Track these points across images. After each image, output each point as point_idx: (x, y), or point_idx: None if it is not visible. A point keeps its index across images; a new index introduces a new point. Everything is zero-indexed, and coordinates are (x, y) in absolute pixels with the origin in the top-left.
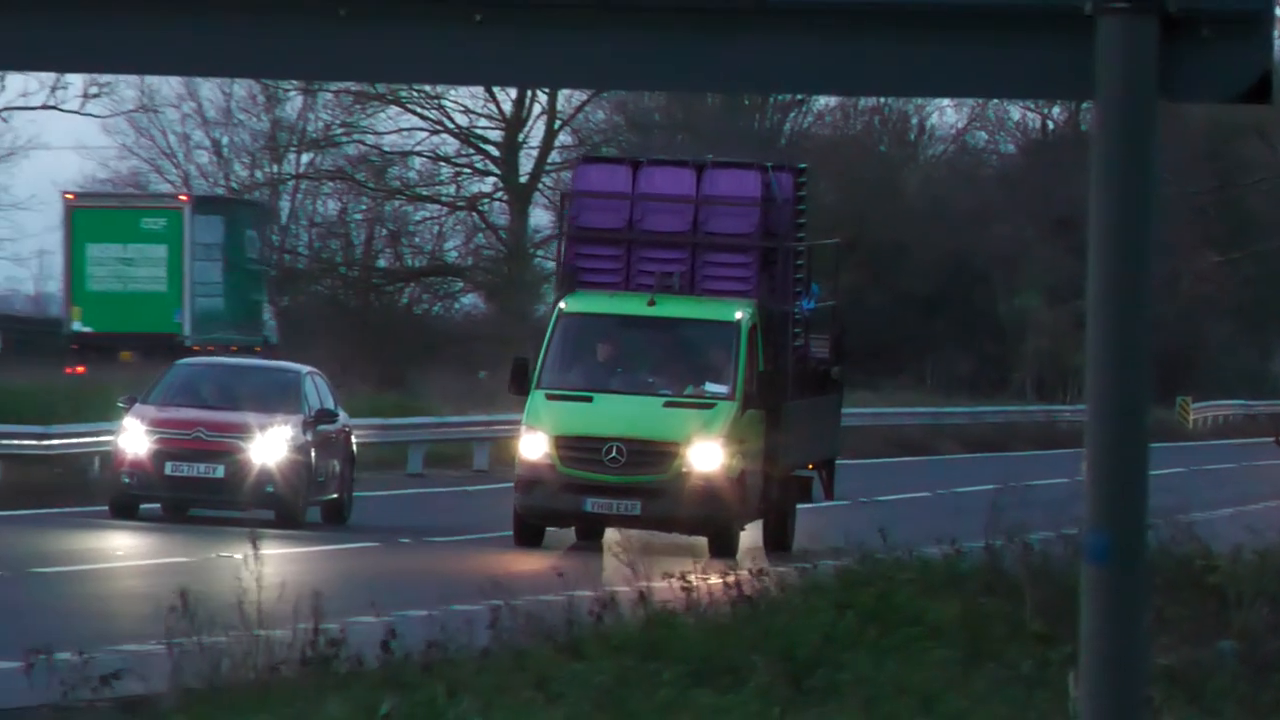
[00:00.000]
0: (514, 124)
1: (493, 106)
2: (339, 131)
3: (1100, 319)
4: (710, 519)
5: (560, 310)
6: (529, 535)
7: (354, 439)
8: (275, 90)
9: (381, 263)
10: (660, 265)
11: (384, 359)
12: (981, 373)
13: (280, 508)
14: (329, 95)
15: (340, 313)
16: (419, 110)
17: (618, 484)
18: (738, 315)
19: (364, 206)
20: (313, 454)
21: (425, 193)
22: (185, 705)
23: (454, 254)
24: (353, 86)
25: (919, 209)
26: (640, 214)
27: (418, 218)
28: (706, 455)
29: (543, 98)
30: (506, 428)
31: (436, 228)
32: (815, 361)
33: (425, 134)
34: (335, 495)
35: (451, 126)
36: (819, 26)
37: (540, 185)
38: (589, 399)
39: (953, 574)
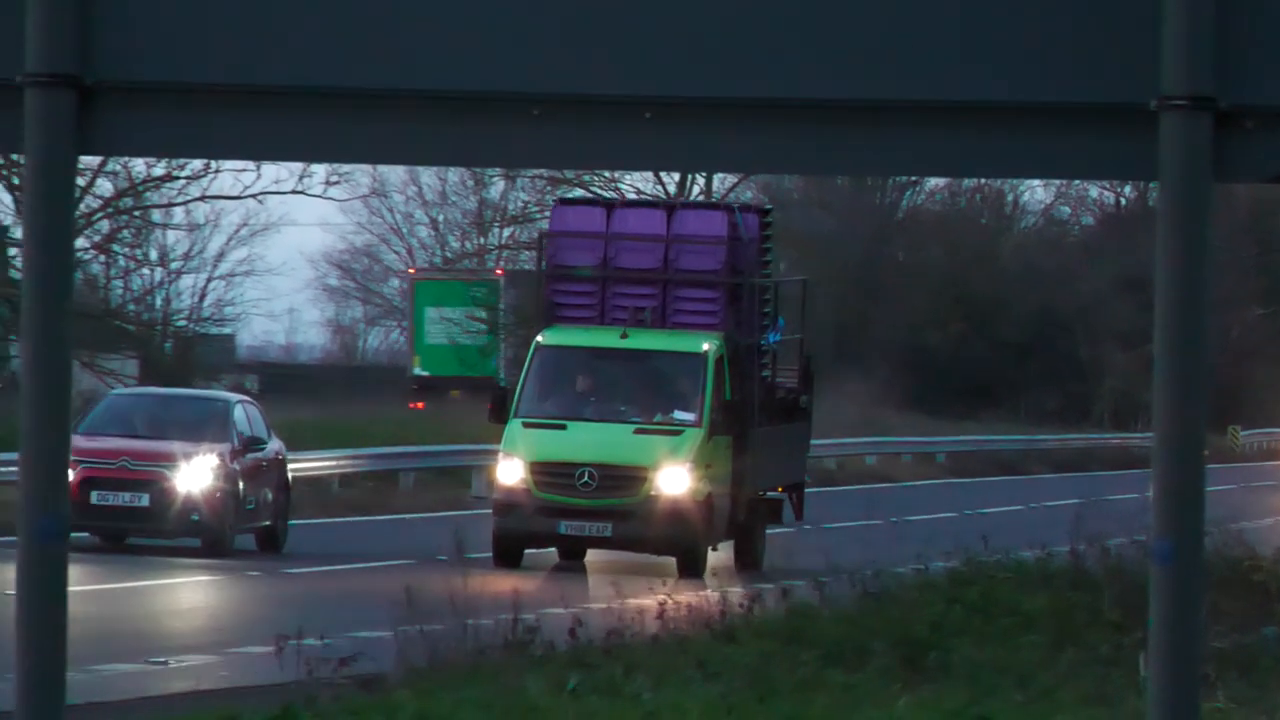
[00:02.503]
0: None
1: (659, 186)
2: (535, 209)
3: (1165, 361)
4: (678, 540)
5: (538, 343)
6: (507, 556)
7: (289, 466)
8: (482, 175)
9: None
10: (633, 301)
11: None
12: (1066, 406)
13: (206, 536)
14: (526, 179)
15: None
16: (600, 191)
17: (590, 507)
18: (705, 347)
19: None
20: (240, 482)
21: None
22: (409, 682)
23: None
24: (545, 172)
25: (1013, 270)
26: (614, 252)
27: None
28: (674, 479)
29: (701, 180)
30: None
31: None
32: (783, 391)
33: None
34: (269, 523)
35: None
36: (931, 121)
37: None
38: (563, 427)
39: (1043, 573)
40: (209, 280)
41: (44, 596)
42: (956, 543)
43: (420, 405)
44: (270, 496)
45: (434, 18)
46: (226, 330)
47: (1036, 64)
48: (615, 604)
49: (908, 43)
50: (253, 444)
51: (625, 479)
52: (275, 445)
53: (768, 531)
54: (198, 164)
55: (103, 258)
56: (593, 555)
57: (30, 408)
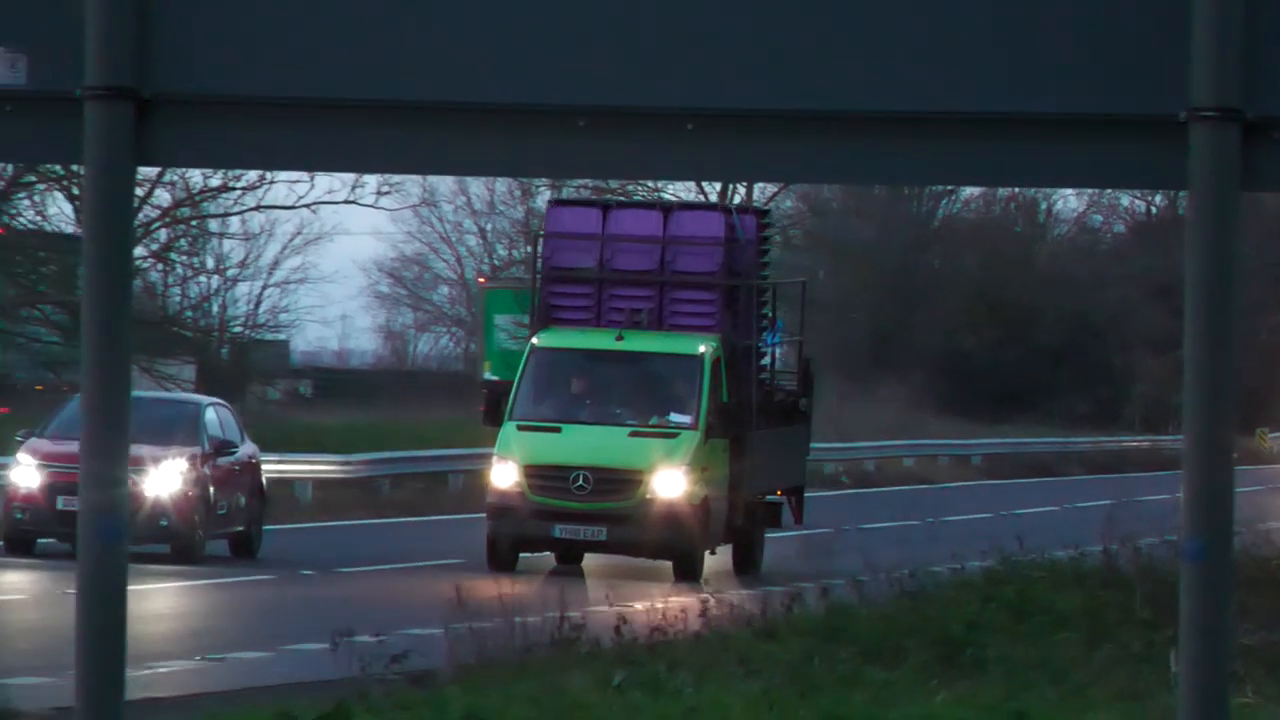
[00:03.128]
0: None
1: (701, 196)
2: None
3: (1195, 365)
4: (674, 543)
5: (533, 345)
6: (502, 560)
7: (263, 471)
8: (529, 185)
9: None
10: (629, 302)
11: None
12: (1098, 410)
13: (175, 541)
14: (571, 189)
15: None
16: (642, 200)
17: (584, 510)
18: (701, 349)
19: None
20: (211, 487)
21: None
22: (459, 678)
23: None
24: (590, 182)
25: (1047, 277)
26: (610, 254)
27: None
28: (670, 482)
29: (742, 190)
30: None
31: None
32: (782, 393)
33: None
34: (241, 528)
35: None
36: (967, 133)
37: None
38: (558, 429)
39: (1077, 572)
40: (264, 288)
41: (104, 595)
42: (992, 543)
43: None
44: (243, 501)
45: (483, 33)
46: (281, 336)
47: (1069, 77)
48: (659, 603)
49: (944, 57)
50: (224, 448)
51: (620, 482)
52: (249, 449)
53: (803, 533)
54: (253, 175)
55: (161, 266)
56: (590, 559)
57: (89, 414)
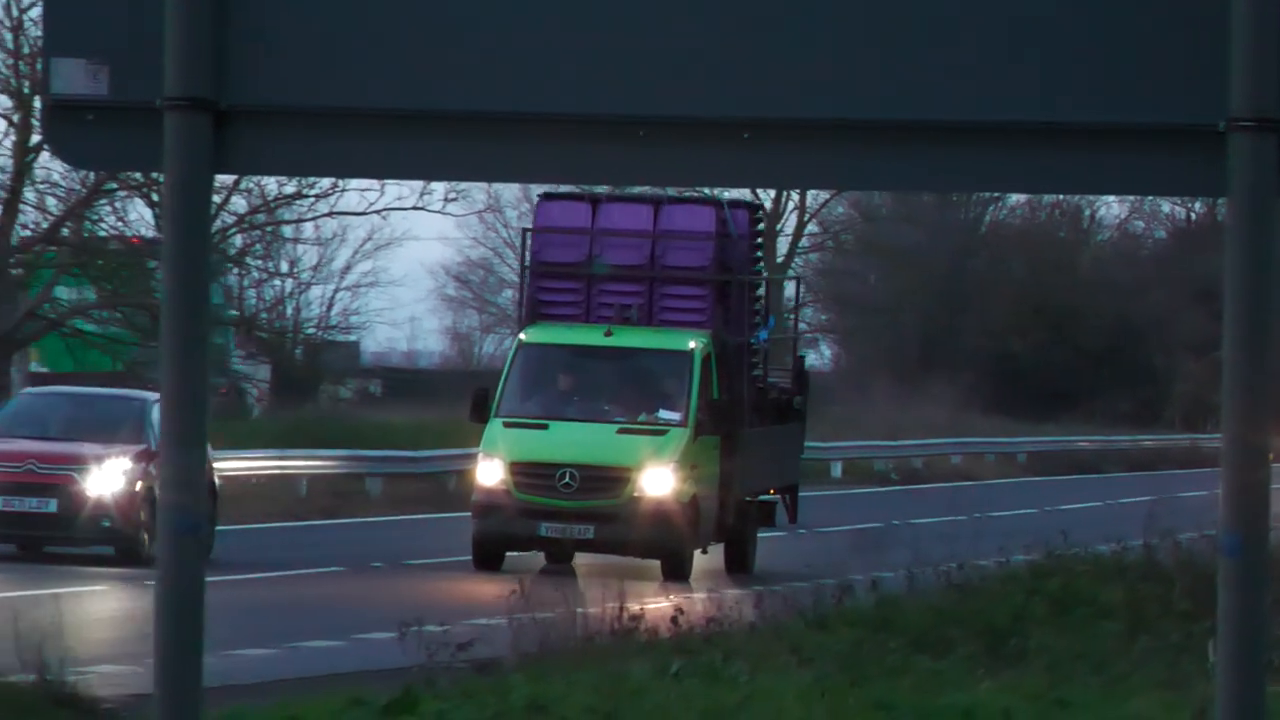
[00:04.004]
0: (773, 216)
1: (756, 202)
2: None
3: (1233, 367)
4: (662, 542)
5: (520, 341)
6: (487, 559)
7: (215, 470)
8: (590, 191)
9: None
10: (619, 298)
11: None
12: (1139, 409)
13: (119, 543)
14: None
15: None
16: (633, 194)
17: (571, 509)
18: (691, 345)
19: None
20: (157, 486)
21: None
22: (522, 666)
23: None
24: (648, 189)
25: (1090, 281)
26: (599, 248)
27: None
28: (658, 480)
29: (795, 196)
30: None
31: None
32: (776, 391)
33: None
34: None
35: None
36: (1011, 141)
37: (793, 264)
38: (544, 426)
39: (1118, 566)
40: (336, 291)
41: (182, 586)
42: (1037, 537)
43: None
44: None
45: (547, 47)
46: (352, 337)
47: (1113, 88)
48: (715, 593)
49: (993, 68)
50: None
51: (607, 480)
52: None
53: (855, 528)
54: (325, 182)
55: (237, 270)
56: (581, 558)
57: (168, 412)
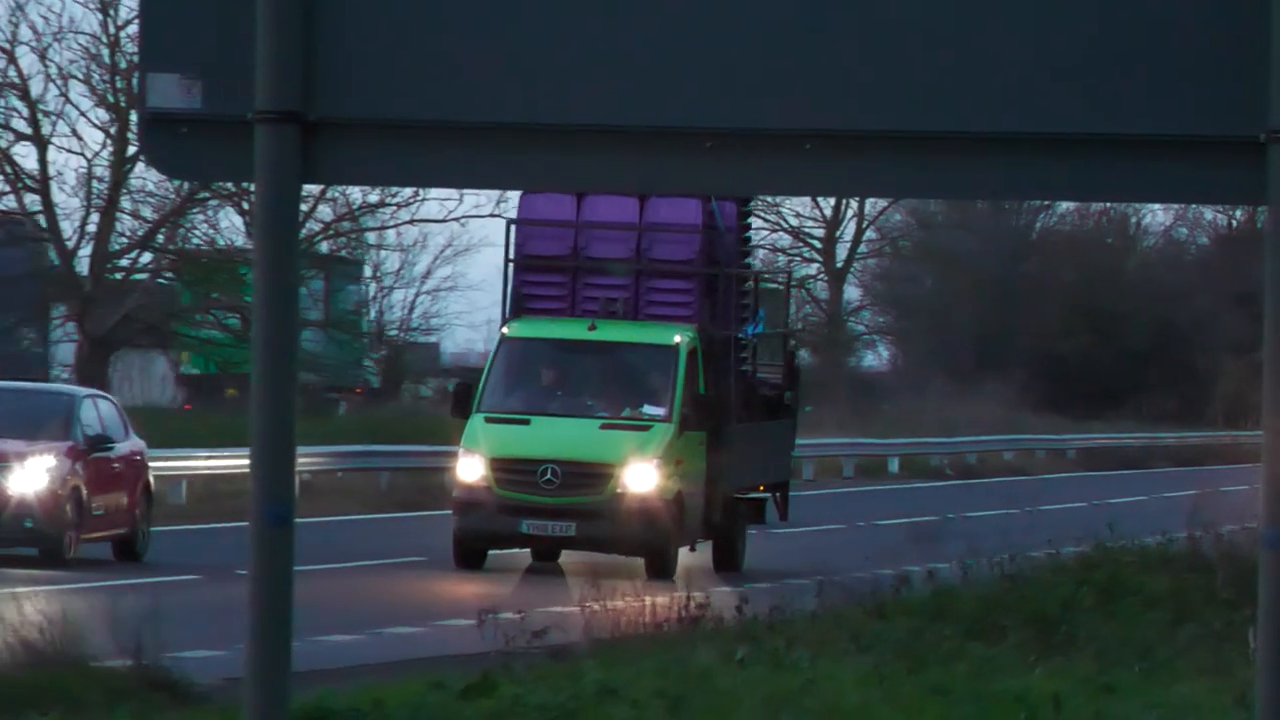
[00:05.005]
0: (832, 223)
1: (816, 210)
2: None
3: (1273, 366)
4: (646, 540)
5: (503, 335)
6: (469, 557)
7: (150, 469)
8: None
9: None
10: (604, 291)
11: None
12: (1183, 407)
13: (42, 544)
14: None
15: None
16: (762, 214)
17: (552, 505)
18: (676, 339)
19: None
20: (83, 485)
21: (767, 275)
22: (594, 652)
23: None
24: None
25: (1136, 285)
26: (585, 241)
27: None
28: (641, 476)
29: (854, 203)
30: (823, 448)
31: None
32: (766, 387)
33: (767, 231)
34: (124, 530)
35: (786, 225)
36: (1060, 152)
37: (852, 269)
38: (526, 422)
39: (1163, 557)
40: (417, 295)
41: (272, 574)
42: (1085, 530)
43: None
44: (125, 501)
45: (618, 63)
46: (432, 339)
47: (1156, 101)
48: (777, 583)
49: (1041, 82)
50: (100, 443)
51: (590, 476)
52: (132, 445)
53: (912, 521)
54: (407, 192)
55: (323, 274)
56: (568, 555)
57: (259, 410)
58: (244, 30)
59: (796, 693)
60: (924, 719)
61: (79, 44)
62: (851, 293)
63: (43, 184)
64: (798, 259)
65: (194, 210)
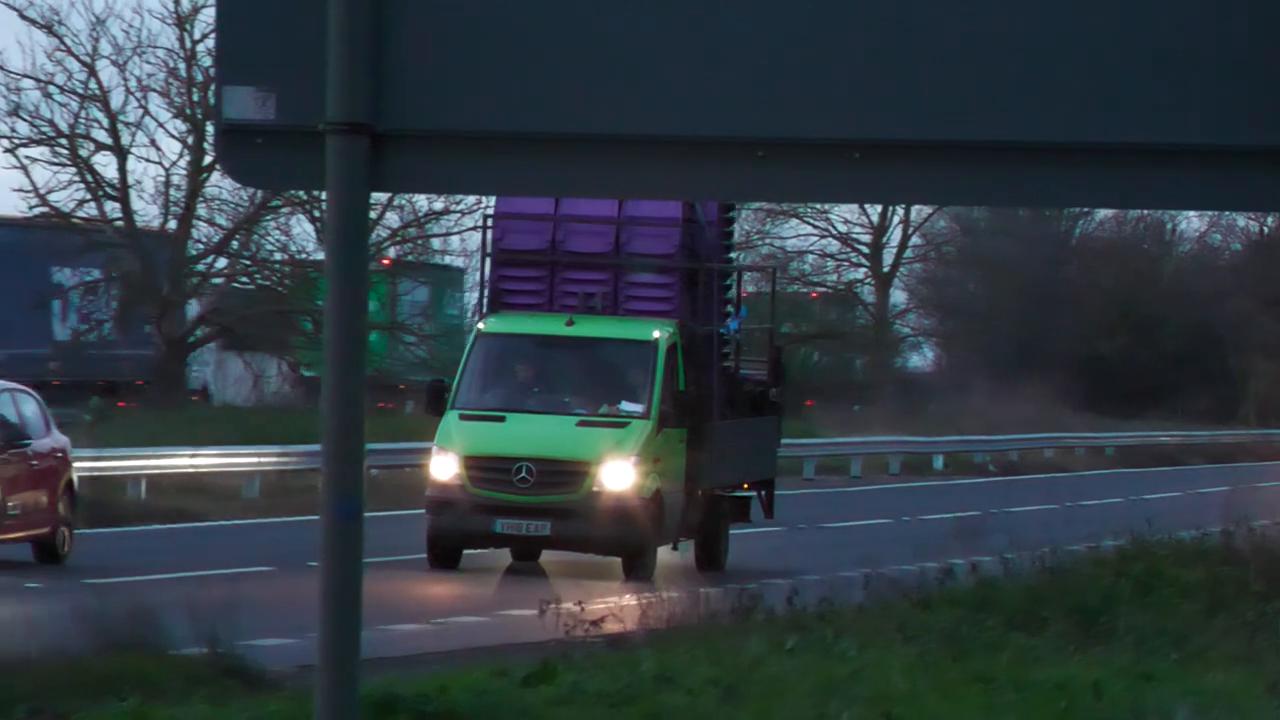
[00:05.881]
0: (879, 229)
1: (864, 217)
2: (756, 236)
3: None
4: (622, 539)
5: (479, 331)
6: (443, 557)
7: (73, 467)
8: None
9: (786, 328)
10: (583, 286)
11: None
12: (1218, 406)
13: None
14: (749, 211)
15: None
16: (811, 221)
17: (527, 504)
18: (655, 334)
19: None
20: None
21: (815, 280)
22: (650, 641)
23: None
24: (765, 205)
25: (1172, 289)
26: (563, 235)
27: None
28: (618, 474)
29: (900, 210)
30: (875, 446)
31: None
32: (751, 383)
33: (816, 237)
34: (44, 530)
35: (834, 232)
36: (1097, 161)
37: (898, 274)
38: (501, 419)
39: (1198, 550)
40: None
41: (342, 566)
42: (1123, 524)
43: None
44: (44, 500)
45: (676, 76)
46: None
47: (1196, 112)
48: (826, 575)
49: (1084, 92)
50: (14, 439)
51: (565, 474)
52: (52, 442)
53: (957, 515)
54: (472, 199)
55: (391, 278)
56: (549, 555)
57: (331, 409)
58: (315, 46)
59: (845, 680)
60: (968, 706)
61: (157, 58)
62: (898, 296)
63: (122, 192)
64: (846, 264)
65: (267, 217)
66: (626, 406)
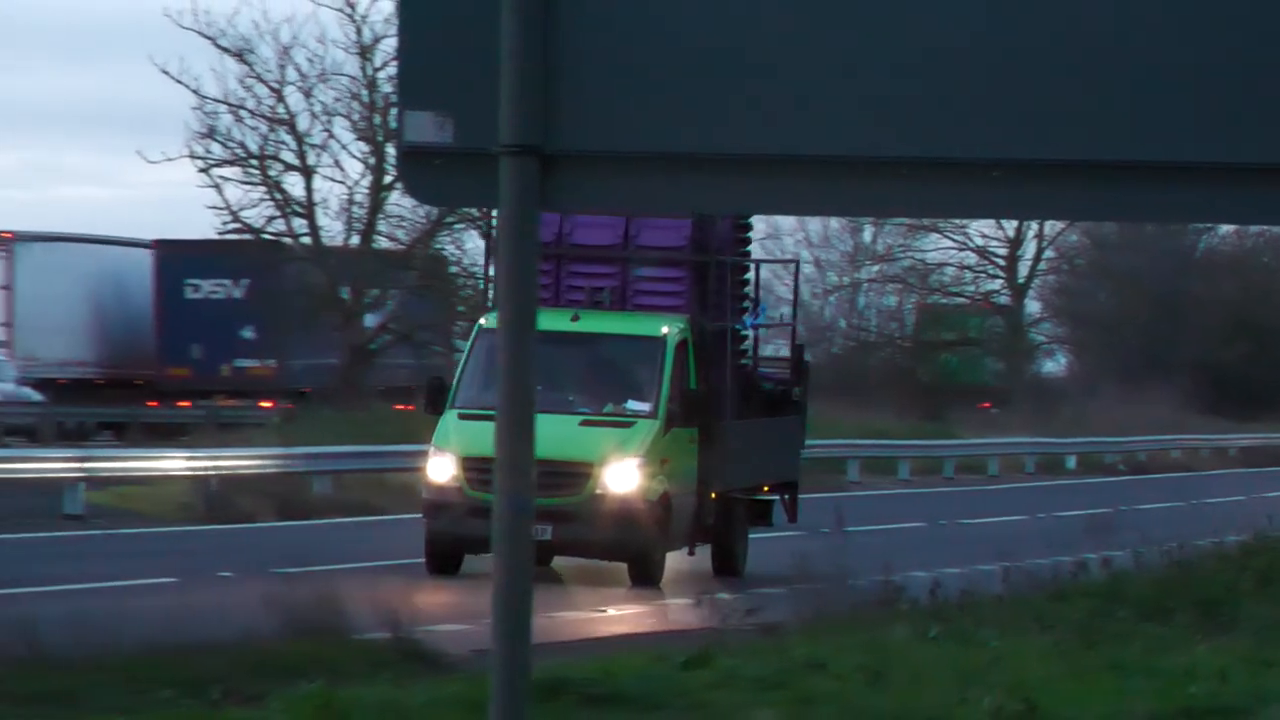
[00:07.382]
0: (1014, 243)
1: (1001, 231)
2: (899, 249)
3: None
4: (626, 543)
5: (480, 327)
6: (442, 562)
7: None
8: (856, 222)
9: (926, 335)
10: (590, 280)
11: (925, 401)
12: None
13: None
14: (891, 225)
15: (897, 370)
16: (950, 235)
17: None
18: (664, 330)
19: (913, 299)
20: None
21: (955, 290)
22: (800, 629)
23: (973, 332)
24: (906, 220)
25: None
26: (570, 227)
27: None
28: (622, 476)
29: (1034, 225)
30: (968, 446)
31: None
32: (771, 382)
33: (954, 250)
34: None
35: (972, 245)
36: (1212, 178)
37: (1032, 285)
38: None
39: None
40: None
41: (515, 557)
42: (1246, 521)
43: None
44: None
45: (820, 99)
46: None
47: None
48: (966, 569)
49: (1211, 109)
50: None
51: (567, 476)
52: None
53: (1088, 513)
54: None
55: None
56: (562, 560)
57: (504, 414)
58: (490, 73)
59: (985, 667)
60: (1101, 691)
61: (341, 84)
62: (1032, 306)
63: (309, 209)
64: (983, 276)
65: (442, 233)
66: (632, 405)
